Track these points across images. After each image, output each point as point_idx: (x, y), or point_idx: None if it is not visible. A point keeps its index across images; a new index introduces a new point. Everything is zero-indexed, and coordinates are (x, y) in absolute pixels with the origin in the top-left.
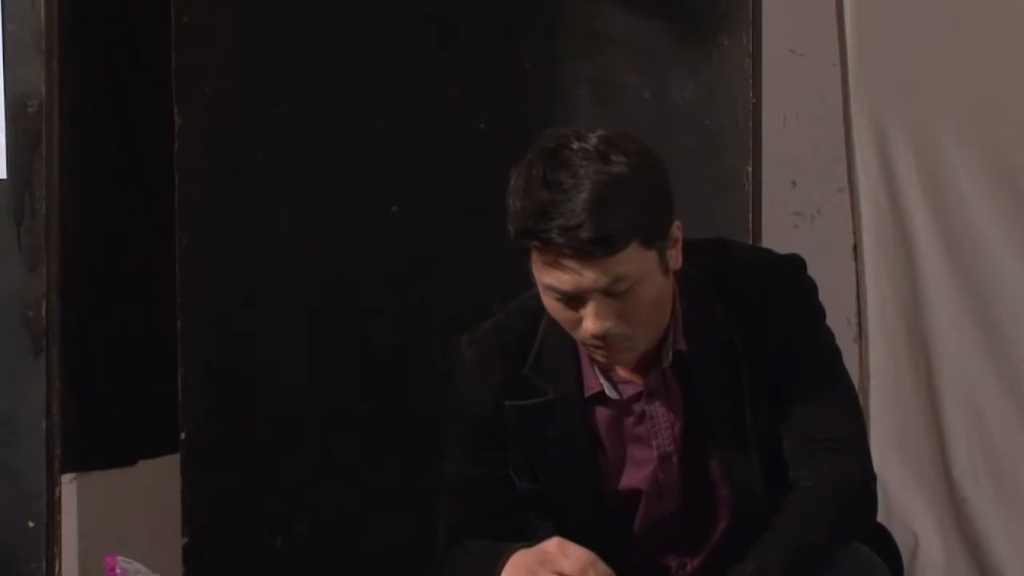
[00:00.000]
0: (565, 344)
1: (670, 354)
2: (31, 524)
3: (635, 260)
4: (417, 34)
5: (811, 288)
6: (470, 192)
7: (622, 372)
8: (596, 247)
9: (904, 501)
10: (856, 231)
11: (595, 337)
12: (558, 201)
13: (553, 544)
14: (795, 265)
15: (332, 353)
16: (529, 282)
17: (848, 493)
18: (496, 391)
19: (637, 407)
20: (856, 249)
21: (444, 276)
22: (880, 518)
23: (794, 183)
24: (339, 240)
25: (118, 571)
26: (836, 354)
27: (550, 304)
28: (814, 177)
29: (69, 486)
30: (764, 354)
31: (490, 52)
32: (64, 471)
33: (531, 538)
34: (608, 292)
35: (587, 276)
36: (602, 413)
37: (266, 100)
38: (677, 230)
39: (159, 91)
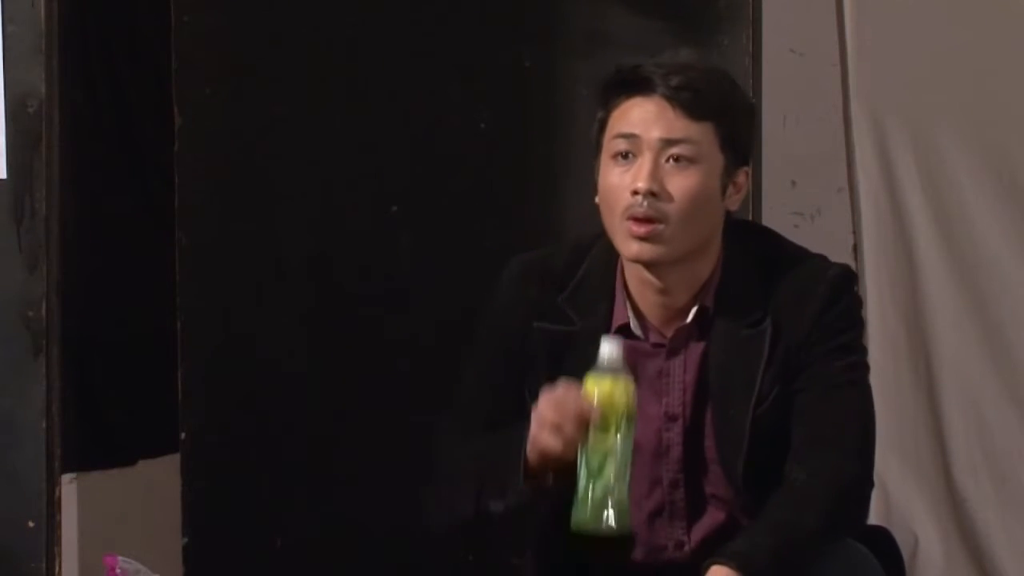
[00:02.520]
0: (605, 280)
1: (695, 309)
2: (31, 524)
3: (705, 143)
4: (417, 34)
5: (857, 301)
6: (470, 192)
7: (652, 318)
8: (685, 93)
9: (904, 501)
10: (856, 231)
11: (638, 194)
12: (662, 57)
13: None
14: (847, 275)
15: (332, 353)
16: None
17: (840, 491)
18: (529, 311)
19: (656, 362)
20: (856, 249)
21: (444, 276)
22: (880, 518)
23: (794, 183)
24: (339, 240)
25: (118, 571)
26: (863, 368)
27: (606, 173)
28: (814, 177)
29: (69, 486)
30: (792, 351)
31: (490, 52)
32: (64, 471)
33: None
34: (669, 151)
35: (661, 122)
36: (627, 352)
37: (266, 100)
38: (745, 175)
39: (159, 91)
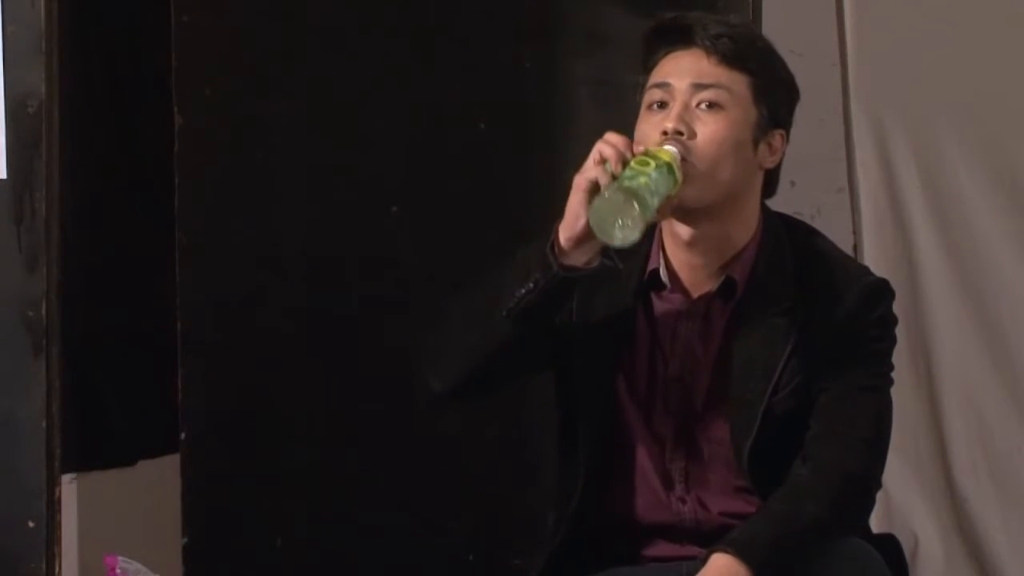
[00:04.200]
0: (649, 231)
1: (722, 278)
2: (31, 524)
3: (738, 91)
4: (417, 34)
5: (893, 316)
6: (470, 192)
7: (681, 277)
8: (722, 41)
9: (904, 501)
10: (856, 231)
11: (666, 134)
12: (705, 14)
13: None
14: (885, 286)
15: (332, 353)
16: None
17: (842, 484)
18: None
19: (677, 325)
20: (856, 249)
21: (444, 276)
22: (880, 518)
23: (794, 183)
24: (339, 240)
25: (118, 571)
26: (887, 380)
27: (644, 120)
28: (814, 177)
29: (69, 486)
30: (819, 348)
31: (490, 52)
32: (64, 471)
33: None
34: (699, 96)
35: (694, 68)
36: (651, 308)
37: (266, 100)
38: (780, 137)
39: (159, 91)
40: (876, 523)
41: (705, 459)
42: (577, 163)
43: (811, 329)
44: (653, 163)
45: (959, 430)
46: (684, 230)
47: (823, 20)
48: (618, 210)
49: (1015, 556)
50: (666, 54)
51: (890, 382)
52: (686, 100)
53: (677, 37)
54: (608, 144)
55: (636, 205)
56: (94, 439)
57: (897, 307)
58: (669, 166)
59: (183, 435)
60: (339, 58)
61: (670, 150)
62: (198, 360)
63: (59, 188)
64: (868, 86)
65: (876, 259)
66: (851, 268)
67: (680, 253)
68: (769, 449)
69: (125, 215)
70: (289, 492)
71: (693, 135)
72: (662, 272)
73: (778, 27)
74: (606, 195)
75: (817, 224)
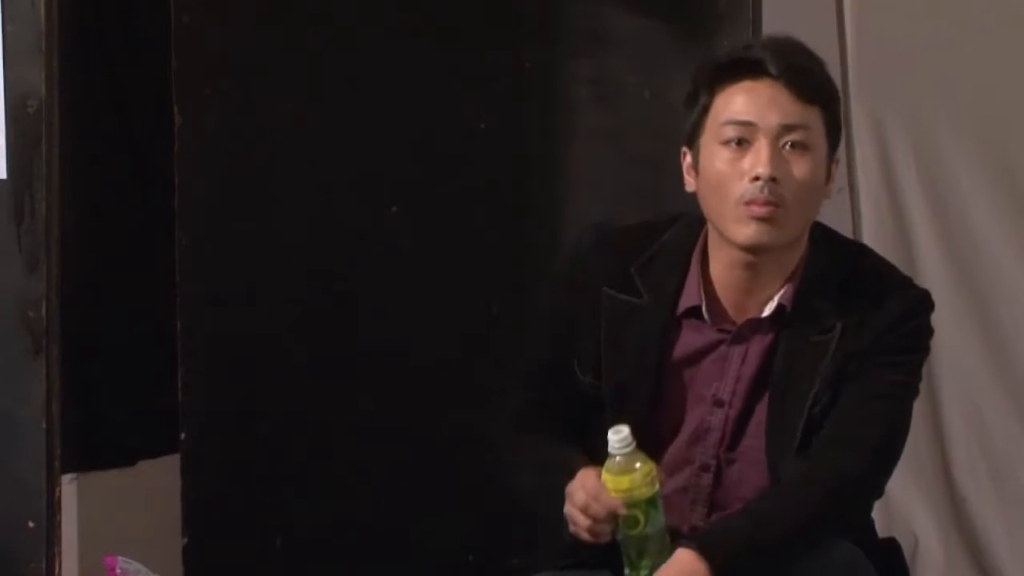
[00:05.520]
0: (679, 260)
1: (774, 303)
2: (31, 524)
3: (816, 129)
4: (417, 34)
5: (928, 328)
6: (470, 192)
7: (728, 304)
8: (798, 76)
9: (904, 501)
10: (856, 231)
11: (759, 180)
12: (766, 38)
13: (578, 477)
14: (924, 298)
15: (332, 353)
16: (533, 283)
17: (835, 487)
18: (597, 277)
19: (717, 347)
20: None
21: (444, 276)
22: (880, 518)
23: None
24: (339, 240)
25: (118, 571)
26: (911, 389)
27: (717, 158)
28: None
29: (69, 486)
30: (852, 359)
31: (490, 52)
32: (64, 471)
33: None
34: (787, 137)
35: (776, 106)
36: (687, 337)
37: (266, 100)
38: (836, 164)
39: (159, 91)
40: (876, 520)
41: (736, 480)
42: (577, 163)
43: (850, 347)
44: (641, 517)
45: (959, 430)
46: (750, 262)
47: (823, 20)
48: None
49: (1015, 556)
50: (735, 81)
51: (914, 393)
52: (773, 141)
53: (747, 69)
54: (589, 523)
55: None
56: (94, 439)
57: None
58: (652, 499)
59: (183, 435)
60: (339, 58)
61: (645, 475)
62: (198, 360)
63: (59, 188)
64: (868, 86)
65: None
66: (894, 282)
67: (737, 281)
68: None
69: (125, 215)
70: (289, 492)
71: (787, 181)
72: (704, 311)
73: (778, 27)
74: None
75: None
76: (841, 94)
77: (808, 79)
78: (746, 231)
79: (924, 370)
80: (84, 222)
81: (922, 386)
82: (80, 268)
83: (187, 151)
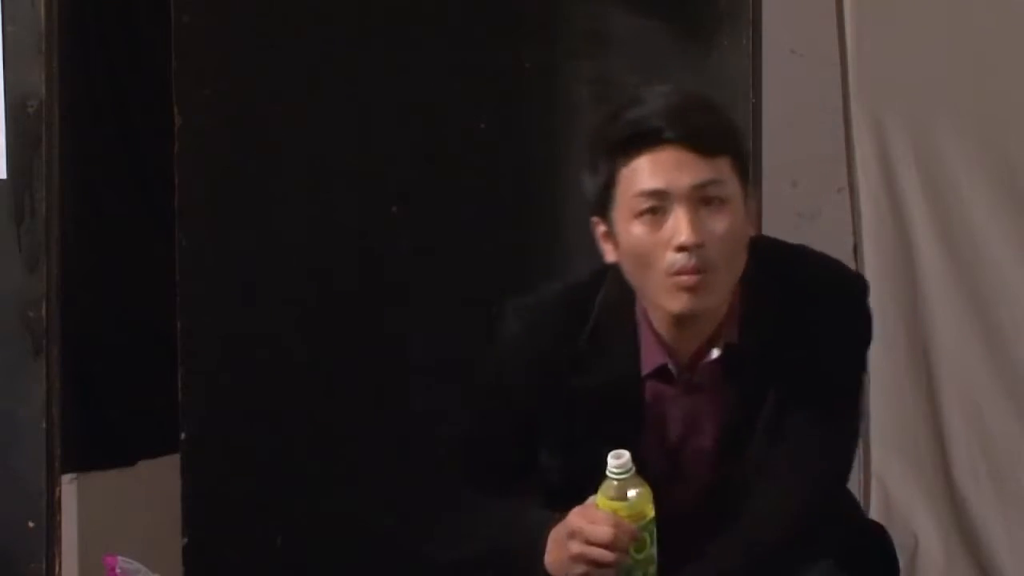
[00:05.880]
0: (625, 324)
1: (721, 344)
2: (31, 524)
3: (728, 178)
4: (417, 34)
5: (868, 317)
6: (470, 192)
7: (680, 357)
8: (699, 134)
9: (904, 501)
10: (856, 231)
11: (685, 249)
12: (652, 100)
13: (575, 514)
14: (862, 288)
15: (332, 353)
16: (533, 283)
17: (789, 533)
18: (544, 365)
19: (686, 400)
20: (856, 249)
21: (444, 276)
22: (880, 518)
23: (794, 183)
24: (339, 240)
25: (118, 571)
26: (859, 385)
27: (633, 232)
28: (814, 177)
29: (69, 486)
30: (798, 364)
31: (490, 52)
32: (64, 471)
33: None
34: (702, 196)
35: (685, 169)
36: (652, 392)
37: (266, 100)
38: (756, 201)
39: (159, 91)
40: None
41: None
42: (577, 163)
43: (793, 352)
44: (648, 540)
45: (959, 430)
46: (678, 322)
47: (823, 20)
48: None
49: (1015, 556)
50: (638, 152)
51: (861, 385)
52: (690, 205)
53: (645, 140)
54: (612, 557)
55: None
56: (94, 439)
57: (897, 307)
58: (654, 519)
59: (183, 435)
60: (339, 58)
61: (647, 498)
62: (198, 360)
63: (59, 188)
64: (868, 86)
65: (876, 260)
66: (822, 277)
67: (679, 335)
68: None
69: (125, 215)
70: (289, 492)
71: (712, 243)
72: (671, 368)
73: (778, 27)
74: None
75: (817, 224)
76: (841, 94)
77: (710, 133)
78: (677, 302)
79: (924, 370)
80: (84, 222)
81: (922, 386)
82: (80, 268)
83: (187, 151)
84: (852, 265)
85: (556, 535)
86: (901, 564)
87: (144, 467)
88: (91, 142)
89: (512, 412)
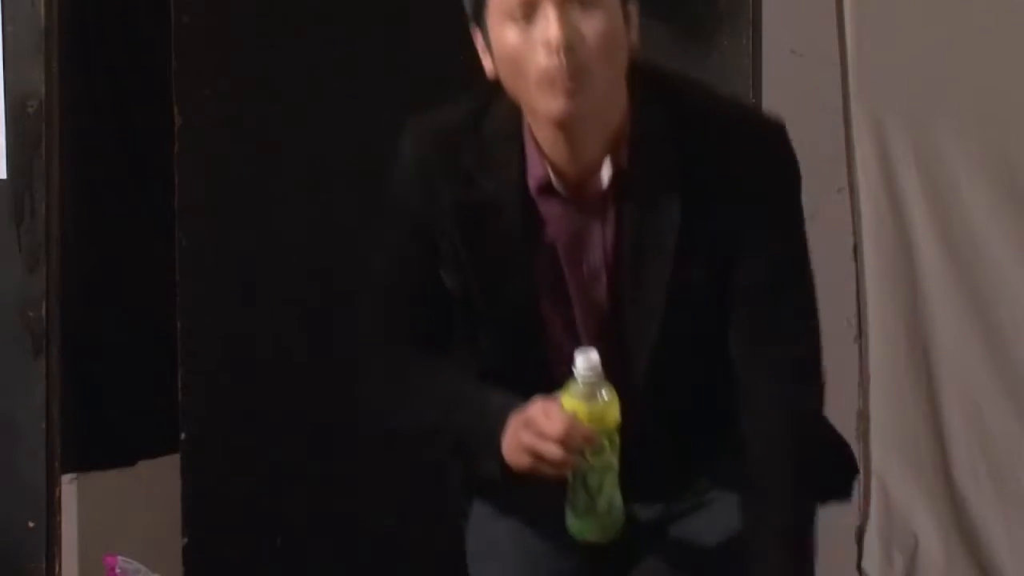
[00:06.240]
0: (513, 138)
1: (610, 171)
2: (31, 524)
3: None
4: (417, 34)
5: (791, 156)
6: None
7: (568, 176)
8: None
9: (904, 501)
10: (856, 231)
11: (556, 53)
12: None
13: (535, 405)
14: (781, 129)
15: (332, 353)
16: None
17: (802, 452)
18: (433, 181)
19: (577, 220)
20: (856, 250)
21: None
22: (880, 518)
23: None
24: (338, 240)
25: (118, 571)
26: (803, 241)
27: (506, 36)
28: (814, 177)
29: (69, 486)
30: (716, 218)
31: None
32: (64, 471)
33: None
34: None
35: None
36: (545, 214)
37: (266, 100)
38: (634, 5)
39: (159, 91)
40: (876, 520)
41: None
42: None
43: (703, 193)
44: (608, 444)
45: (959, 430)
46: (569, 131)
47: (823, 20)
48: (602, 524)
49: (1015, 556)
50: None
51: (806, 240)
52: (559, 4)
53: None
54: (563, 456)
55: (616, 517)
56: (94, 439)
57: (897, 307)
58: (618, 427)
59: (183, 435)
60: (339, 58)
61: (614, 402)
62: (198, 360)
63: (59, 188)
64: (868, 86)
65: (876, 259)
66: (737, 119)
67: (563, 151)
68: (678, 338)
69: (125, 215)
70: (289, 492)
71: (583, 44)
72: (555, 183)
73: (778, 27)
74: (583, 519)
75: (817, 224)
76: (841, 94)
77: None
78: (553, 106)
79: (924, 370)
80: (84, 222)
81: (922, 386)
82: (80, 268)
83: (187, 151)
84: (852, 265)
85: (515, 421)
86: (901, 564)
87: (144, 467)
88: (91, 142)
89: (416, 236)
